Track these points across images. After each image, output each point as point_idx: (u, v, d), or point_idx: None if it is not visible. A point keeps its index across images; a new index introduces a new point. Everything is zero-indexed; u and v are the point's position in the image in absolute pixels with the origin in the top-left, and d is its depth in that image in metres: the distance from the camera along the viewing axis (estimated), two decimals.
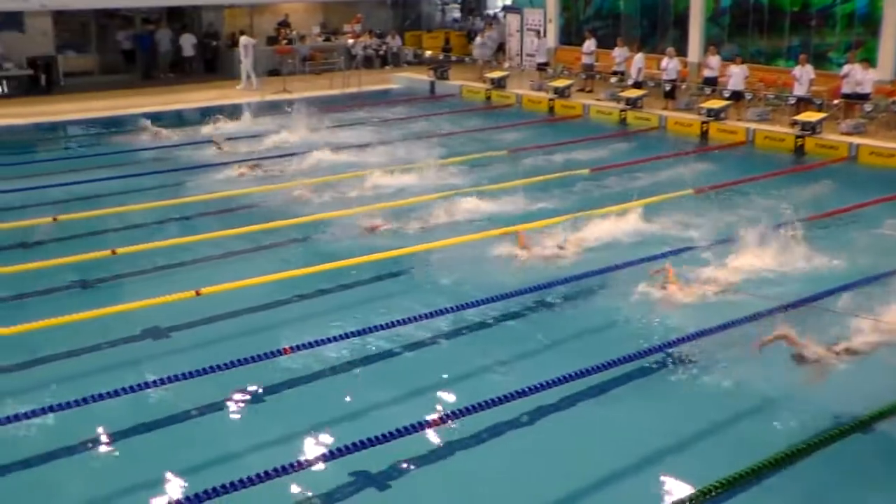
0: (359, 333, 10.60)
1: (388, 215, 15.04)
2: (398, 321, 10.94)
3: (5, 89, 27.44)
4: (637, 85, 25.37)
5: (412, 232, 14.46)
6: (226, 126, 22.74)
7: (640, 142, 22.53)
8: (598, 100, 25.98)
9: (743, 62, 23.68)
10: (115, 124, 23.14)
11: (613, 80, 26.59)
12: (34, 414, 8.75)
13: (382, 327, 10.78)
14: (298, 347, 10.18)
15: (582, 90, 27.26)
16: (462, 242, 13.78)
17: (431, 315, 11.15)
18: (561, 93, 26.22)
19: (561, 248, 13.31)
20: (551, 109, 26.07)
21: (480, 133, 23.13)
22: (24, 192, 16.80)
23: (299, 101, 26.48)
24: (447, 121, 24.88)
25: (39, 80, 28.01)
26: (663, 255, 13.02)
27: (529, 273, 12.53)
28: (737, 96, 23.32)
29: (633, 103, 24.53)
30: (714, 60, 24.42)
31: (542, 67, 29.11)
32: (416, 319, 11.02)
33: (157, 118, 23.28)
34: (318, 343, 10.28)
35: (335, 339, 10.44)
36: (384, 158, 19.55)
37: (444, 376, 9.89)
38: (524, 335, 10.97)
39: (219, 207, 16.06)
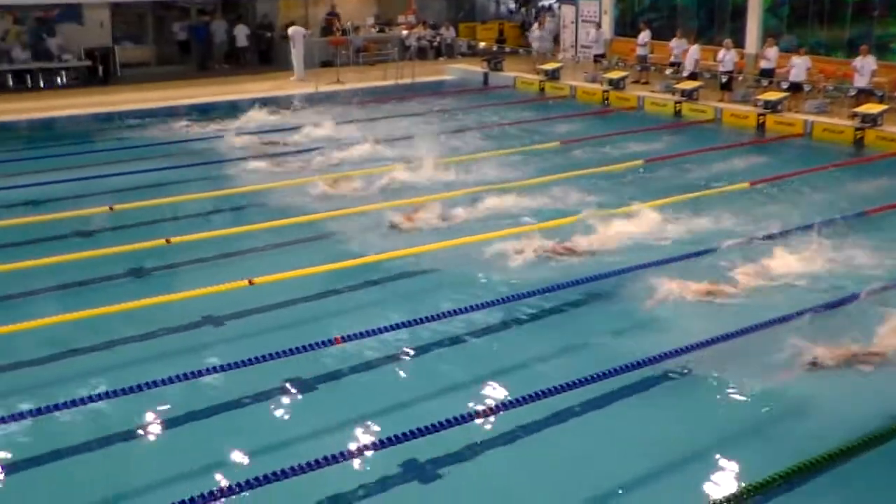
0: (408, 325, 10.59)
1: (436, 207, 14.99)
2: (446, 313, 10.93)
3: (64, 80, 27.85)
4: (692, 76, 25.07)
5: (458, 224, 14.40)
6: (275, 118, 22.90)
7: (695, 134, 22.25)
8: (652, 91, 25.71)
9: (806, 53, 23.29)
10: (171, 115, 23.35)
11: (668, 71, 26.30)
12: (90, 399, 8.87)
13: (430, 319, 10.74)
14: (349, 337, 10.19)
15: (637, 82, 27.02)
16: (511, 234, 13.69)
17: (479, 307, 11.09)
18: (615, 84, 25.99)
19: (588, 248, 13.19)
20: (605, 101, 25.85)
21: (533, 124, 23.00)
22: (82, 181, 17.01)
23: (352, 92, 26.70)
24: (500, 112, 24.78)
25: (97, 70, 28.42)
26: (711, 251, 12.82)
27: (571, 268, 12.43)
28: (795, 88, 22.93)
29: (688, 95, 24.24)
30: (772, 52, 24.05)
31: (598, 59, 28.89)
32: (463, 311, 10.97)
33: (210, 109, 23.48)
34: (369, 333, 10.29)
35: (386, 329, 10.43)
36: (435, 150, 19.51)
37: (495, 367, 9.84)
38: (566, 330, 10.92)
39: (269, 198, 16.10)
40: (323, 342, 10.04)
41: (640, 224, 14.00)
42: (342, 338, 10.17)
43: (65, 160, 18.74)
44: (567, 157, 19.13)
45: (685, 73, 25.35)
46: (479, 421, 8.58)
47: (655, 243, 13.38)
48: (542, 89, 27.77)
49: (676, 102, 24.29)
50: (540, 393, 8.81)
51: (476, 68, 30.07)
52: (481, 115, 24.34)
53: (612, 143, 20.59)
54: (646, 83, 26.88)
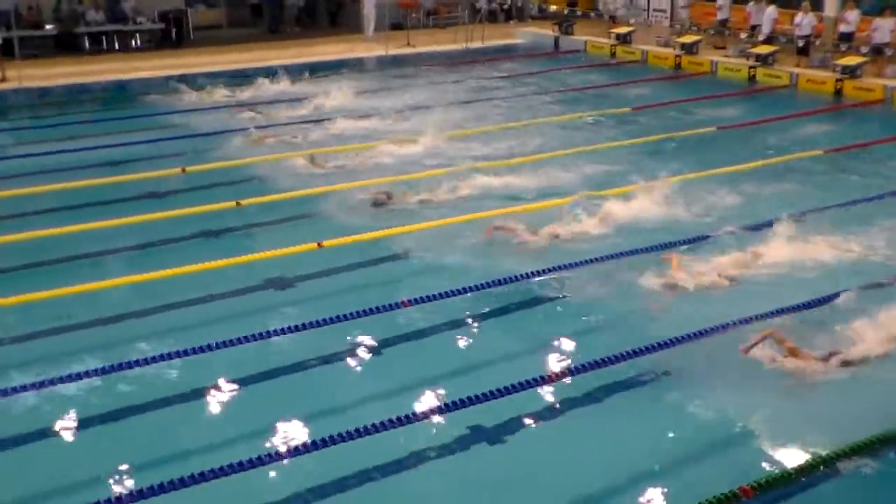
0: (477, 288, 10.57)
1: (503, 172, 14.94)
2: (518, 276, 10.87)
3: (138, 42, 28.22)
4: (769, 40, 24.49)
5: (533, 188, 14.33)
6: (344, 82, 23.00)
7: (770, 100, 21.82)
8: (726, 56, 25.20)
9: (890, 15, 22.56)
10: (242, 77, 23.55)
11: (744, 35, 25.74)
12: (161, 358, 9.04)
13: (499, 283, 10.71)
14: (416, 301, 10.22)
15: (716, 47, 26.46)
16: (583, 198, 13.57)
17: (551, 270, 11.02)
18: (688, 49, 25.53)
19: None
20: (678, 66, 25.42)
21: (604, 89, 22.75)
22: (155, 143, 17.28)
23: (422, 55, 26.66)
24: (570, 76, 24.55)
25: (170, 33, 28.74)
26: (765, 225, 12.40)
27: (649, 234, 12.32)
28: (876, 51, 22.27)
29: (763, 60, 23.70)
30: (852, 15, 23.36)
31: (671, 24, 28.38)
32: (536, 274, 10.92)
33: (280, 71, 23.62)
34: (437, 297, 10.30)
35: (454, 293, 10.43)
36: (502, 115, 19.43)
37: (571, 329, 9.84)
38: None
39: (339, 161, 16.12)
40: (390, 305, 10.10)
41: (703, 192, 13.80)
42: (409, 301, 10.21)
43: (139, 122, 19.05)
44: (637, 124, 18.88)
45: (761, 37, 24.78)
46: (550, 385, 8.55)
47: (713, 213, 13.12)
48: (613, 54, 27.39)
49: (751, 67, 23.77)
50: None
51: (547, 32, 29.77)
52: (551, 79, 24.11)
53: (684, 109, 20.27)
54: (723, 48, 26.32)
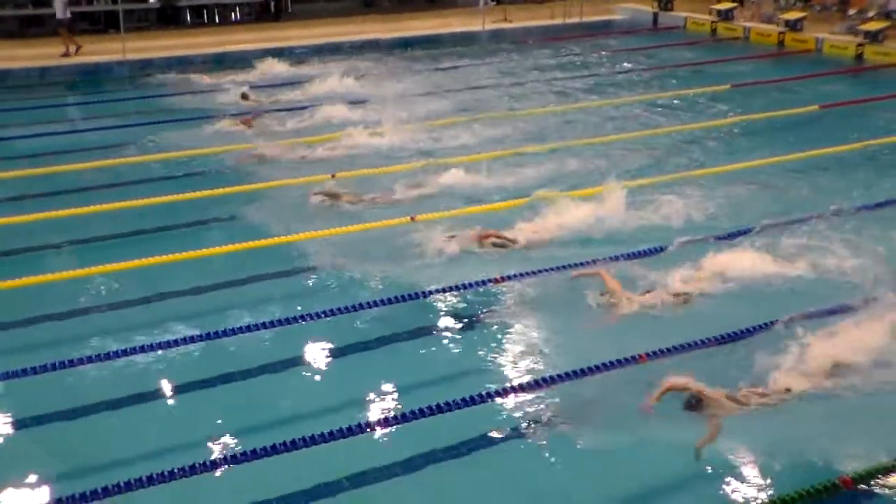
0: (560, 268, 10.41)
1: (598, 150, 14.77)
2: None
3: (238, 16, 28.59)
4: (887, 15, 23.52)
5: (634, 167, 14.12)
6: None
7: (878, 79, 21.06)
8: (832, 33, 24.42)
9: None
10: (335, 51, 23.71)
11: (852, 12, 24.90)
12: (256, 327, 9.21)
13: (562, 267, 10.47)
14: (507, 278, 10.17)
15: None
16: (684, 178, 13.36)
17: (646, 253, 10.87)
18: (792, 26, 24.81)
19: None
20: (781, 43, 24.72)
21: (702, 66, 22.29)
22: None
23: (518, 30, 26.51)
24: (667, 53, 24.10)
25: (269, 6, 29.05)
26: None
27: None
28: None
29: (872, 37, 22.89)
30: None
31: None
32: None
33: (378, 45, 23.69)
34: (533, 273, 10.23)
35: (546, 270, 10.32)
36: (594, 92, 19.21)
37: None
38: None
39: (441, 134, 16.03)
40: (482, 281, 10.09)
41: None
42: (502, 277, 10.18)
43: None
44: (736, 102, 18.42)
45: (871, 14, 23.92)
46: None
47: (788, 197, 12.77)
48: (713, 30, 26.76)
49: (858, 45, 22.99)
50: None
51: (646, 8, 29.23)
52: (647, 56, 23.71)
53: (785, 88, 19.75)
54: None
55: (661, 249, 10.86)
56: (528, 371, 8.46)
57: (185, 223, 12.31)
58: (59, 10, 22.68)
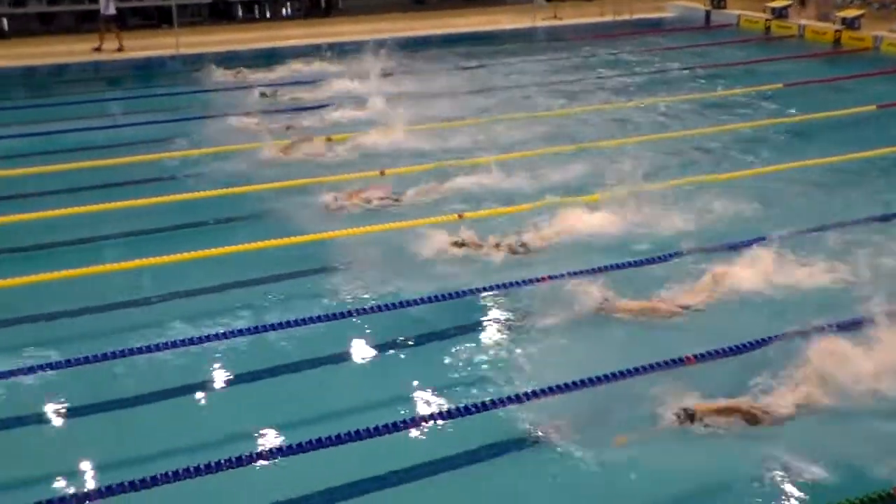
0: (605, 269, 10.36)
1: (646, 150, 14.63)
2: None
3: (289, 11, 28.77)
4: None
5: (675, 164, 14.02)
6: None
7: None
8: (891, 31, 23.96)
9: None
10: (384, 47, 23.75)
11: None
12: (303, 322, 9.21)
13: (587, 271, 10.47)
14: (553, 277, 9.98)
15: None
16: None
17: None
18: (849, 24, 24.39)
19: None
20: (837, 41, 24.32)
21: (754, 65, 22.01)
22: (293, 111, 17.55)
23: (568, 27, 26.41)
24: (718, 51, 23.81)
25: (320, 2, 29.19)
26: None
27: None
28: None
29: None
30: None
31: None
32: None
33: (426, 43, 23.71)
34: (575, 273, 10.05)
35: (587, 272, 10.15)
36: (643, 91, 19.04)
37: None
38: None
39: (485, 132, 16.02)
40: (530, 280, 9.99)
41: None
42: (549, 277, 10.04)
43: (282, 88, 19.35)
44: (788, 101, 18.13)
45: None
46: None
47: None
48: (767, 29, 26.40)
49: None
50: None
51: (698, 5, 28.93)
52: (698, 55, 23.41)
53: (841, 88, 19.42)
54: None
55: (712, 250, 10.61)
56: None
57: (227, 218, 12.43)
58: (103, 5, 22.98)
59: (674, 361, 8.17)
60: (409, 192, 12.79)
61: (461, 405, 7.68)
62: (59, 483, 6.92)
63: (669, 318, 9.17)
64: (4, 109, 18.56)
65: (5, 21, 25.68)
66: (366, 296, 9.87)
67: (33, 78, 22.25)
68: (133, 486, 6.66)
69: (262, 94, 18.59)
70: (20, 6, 25.87)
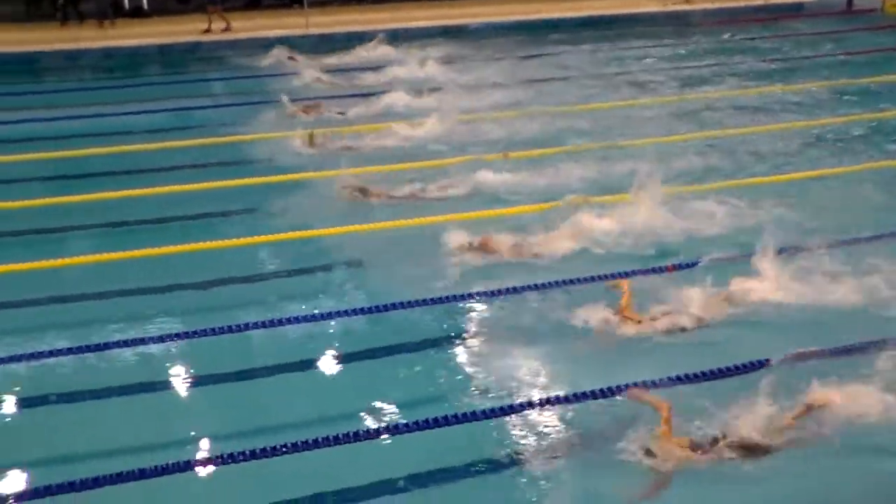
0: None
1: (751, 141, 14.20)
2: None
3: None
4: None
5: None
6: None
7: None
8: None
9: None
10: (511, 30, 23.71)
11: None
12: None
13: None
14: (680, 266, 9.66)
15: None
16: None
17: None
18: None
19: None
20: None
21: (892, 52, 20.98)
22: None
23: (698, 12, 25.86)
24: (861, 38, 22.77)
25: None
26: None
27: None
28: None
29: None
30: None
31: None
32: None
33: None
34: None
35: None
36: (775, 78, 18.44)
37: None
38: None
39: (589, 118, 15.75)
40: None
41: None
42: (674, 266, 9.62)
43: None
44: None
45: None
46: None
47: None
48: None
49: None
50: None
51: None
52: (837, 41, 22.48)
53: None
54: None
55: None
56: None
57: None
58: None
59: None
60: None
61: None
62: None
63: None
64: (142, 86, 19.31)
65: (145, 0, 26.73)
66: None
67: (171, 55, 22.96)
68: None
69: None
70: None
